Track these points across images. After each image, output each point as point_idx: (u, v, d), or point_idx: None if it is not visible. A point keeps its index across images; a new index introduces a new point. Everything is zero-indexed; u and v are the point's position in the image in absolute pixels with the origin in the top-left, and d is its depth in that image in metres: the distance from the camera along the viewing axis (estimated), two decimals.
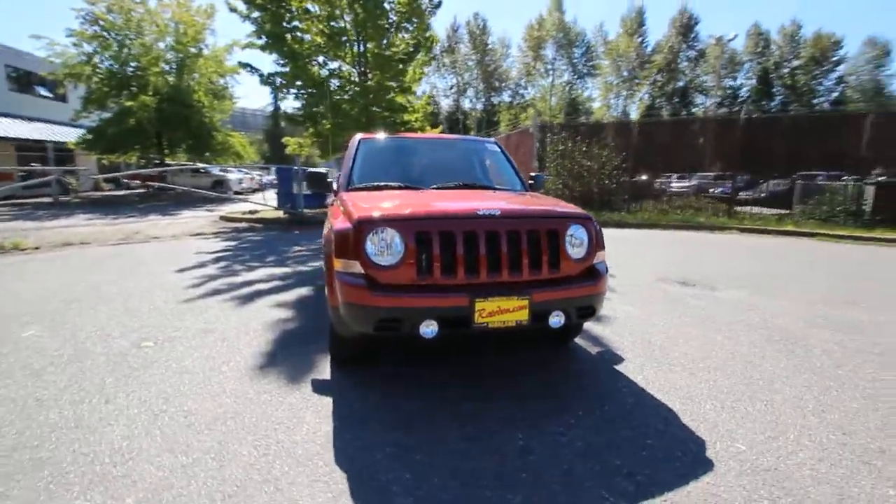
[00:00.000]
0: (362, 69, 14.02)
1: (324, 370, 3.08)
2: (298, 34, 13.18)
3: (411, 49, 13.62)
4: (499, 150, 4.33)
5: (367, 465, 2.09)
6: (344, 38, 13.29)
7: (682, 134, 17.20)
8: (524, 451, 2.20)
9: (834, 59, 45.87)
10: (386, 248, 2.52)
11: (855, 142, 12.15)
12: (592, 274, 2.80)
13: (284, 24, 12.87)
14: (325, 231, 3.17)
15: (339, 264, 2.61)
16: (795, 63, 47.09)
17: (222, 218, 12.47)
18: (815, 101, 46.39)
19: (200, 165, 21.38)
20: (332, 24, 13.08)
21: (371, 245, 2.53)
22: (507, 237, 2.57)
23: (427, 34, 14.20)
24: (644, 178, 15.44)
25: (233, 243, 8.61)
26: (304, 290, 5.18)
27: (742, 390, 2.86)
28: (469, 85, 50.22)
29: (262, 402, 2.65)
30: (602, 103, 50.27)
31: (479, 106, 50.87)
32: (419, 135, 4.64)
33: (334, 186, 3.86)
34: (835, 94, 46.36)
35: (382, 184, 3.61)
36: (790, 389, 2.88)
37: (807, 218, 11.93)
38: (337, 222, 2.77)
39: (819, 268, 7.04)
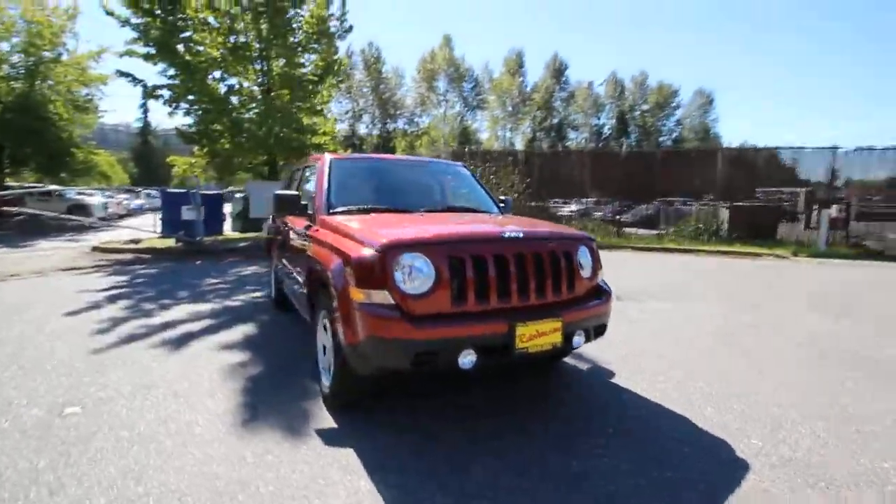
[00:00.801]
0: (266, 87, 13.21)
1: (322, 417, 2.71)
2: (192, 45, 12.00)
3: (321, 71, 13.21)
4: (468, 172, 4.34)
5: None
6: (247, 54, 12.42)
7: (569, 163, 19.01)
8: (581, 477, 2.14)
9: (673, 104, 55.09)
10: (415, 275, 2.33)
11: (710, 173, 14.62)
12: (601, 292, 2.90)
13: (178, 33, 11.64)
14: (319, 257, 2.84)
15: (360, 295, 2.34)
16: (644, 107, 55.52)
17: (96, 249, 10.58)
18: (660, 139, 54.97)
19: (53, 188, 17.99)
20: (234, 38, 12.18)
21: (399, 272, 2.32)
22: (532, 259, 2.56)
23: (335, 57, 13.93)
24: (540, 202, 16.71)
25: (123, 278, 7.31)
26: (246, 328, 4.56)
27: (726, 390, 3.15)
28: (364, 111, 50.20)
29: (269, 466, 2.22)
30: (490, 134, 53.77)
31: (375, 131, 51.04)
32: (390, 156, 4.44)
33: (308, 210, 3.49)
34: (675, 134, 55.46)
35: (367, 207, 3.37)
36: (767, 383, 3.24)
37: (679, 236, 13.91)
38: (349, 249, 2.50)
39: (709, 277, 8.22)
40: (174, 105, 12.64)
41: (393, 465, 2.23)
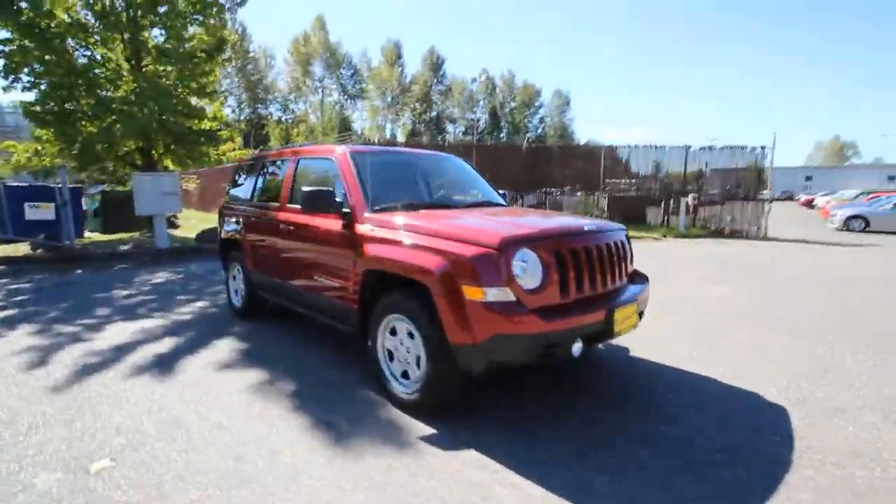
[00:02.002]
0: (137, 62, 11.24)
1: (412, 424, 2.59)
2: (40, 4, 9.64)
3: (211, 47, 11.66)
4: (469, 166, 4.38)
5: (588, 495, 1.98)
6: (112, 20, 10.39)
7: (470, 157, 19.82)
8: (684, 443, 2.45)
9: (536, 104, 60.45)
10: (529, 270, 2.39)
11: (593, 167, 16.54)
12: (641, 276, 3.26)
13: None
14: (393, 257, 2.68)
15: (479, 294, 2.31)
16: (513, 104, 59.95)
17: None
18: (528, 134, 59.97)
19: None
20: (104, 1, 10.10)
21: (517, 268, 2.35)
22: (606, 249, 2.78)
23: (221, 32, 12.42)
24: None
25: None
26: (229, 343, 4.01)
27: (726, 355, 3.77)
28: (229, 93, 45.28)
29: (410, 480, 2.10)
30: (371, 124, 52.98)
31: (244, 116, 46.51)
32: (400, 149, 4.21)
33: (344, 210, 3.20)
34: (539, 131, 60.99)
35: (410, 203, 3.24)
36: (757, 346, 3.95)
37: None
38: (456, 248, 2.42)
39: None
40: (11, 77, 10.09)
41: (521, 456, 2.27)
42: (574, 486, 2.06)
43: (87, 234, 12.19)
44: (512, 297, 2.33)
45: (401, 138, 50.64)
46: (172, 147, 12.05)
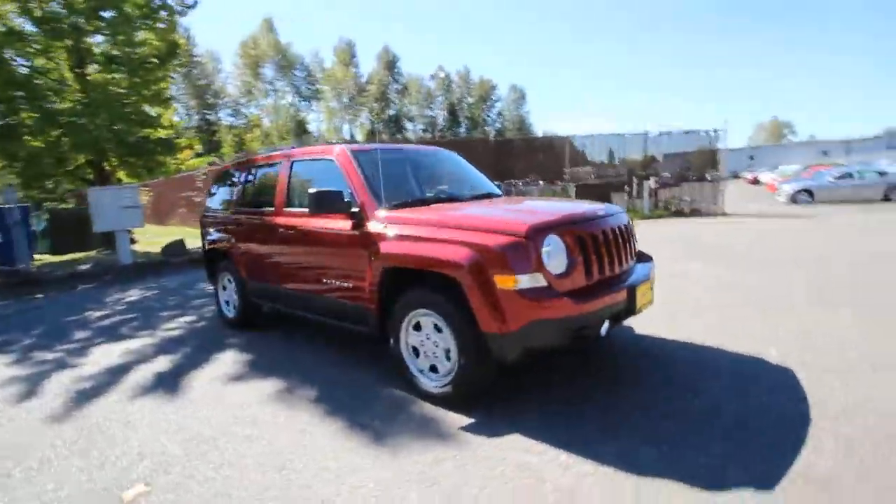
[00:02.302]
0: (82, 71, 10.57)
1: (450, 416, 2.58)
2: None
3: (162, 53, 11.11)
4: (463, 159, 4.39)
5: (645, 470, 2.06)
6: (56, 27, 9.72)
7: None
8: (712, 413, 2.57)
9: (493, 98, 61.06)
10: (556, 256, 2.44)
11: (553, 157, 16.91)
12: (647, 256, 3.39)
13: None
14: (414, 252, 2.66)
15: (511, 282, 2.33)
16: (470, 100, 60.32)
17: None
18: (486, 128, 60.53)
19: None
20: (43, 6, 9.41)
21: (546, 254, 2.39)
22: (618, 231, 2.87)
23: (174, 36, 11.86)
24: None
25: None
26: (230, 355, 3.86)
27: (723, 327, 3.96)
28: (176, 99, 43.22)
29: (484, 470, 2.10)
30: (328, 125, 52.02)
31: (193, 123, 44.56)
32: (398, 146, 4.14)
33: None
34: (497, 125, 61.66)
35: (420, 198, 3.23)
36: (753, 317, 4.16)
37: None
38: (484, 238, 2.44)
39: None
40: None
41: (562, 437, 2.32)
42: (621, 459, 2.13)
43: (35, 256, 11.41)
44: (544, 283, 2.37)
45: (360, 138, 49.99)
46: (126, 158, 11.43)
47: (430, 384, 2.77)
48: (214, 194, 4.90)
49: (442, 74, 57.75)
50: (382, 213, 3.00)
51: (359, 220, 3.08)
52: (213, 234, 4.73)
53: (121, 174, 11.99)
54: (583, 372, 3.14)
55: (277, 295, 3.95)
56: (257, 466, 2.25)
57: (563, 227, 2.53)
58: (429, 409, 2.72)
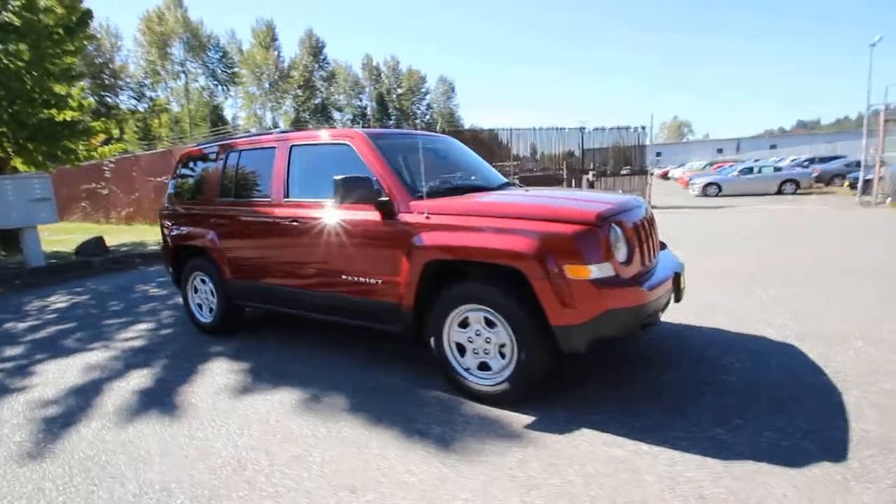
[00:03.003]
0: None
1: (508, 415, 2.48)
2: None
3: (72, 22, 9.57)
4: (467, 148, 4.23)
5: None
6: None
7: None
8: (752, 385, 2.71)
9: (423, 90, 60.77)
10: (619, 244, 2.44)
11: (483, 150, 17.23)
12: (663, 244, 3.51)
13: None
14: (475, 242, 2.52)
15: (585, 272, 2.28)
16: (400, 91, 59.53)
17: None
18: (416, 121, 60.16)
19: None
20: None
21: (612, 244, 2.37)
22: (652, 220, 2.94)
23: (77, 3, 10.29)
24: None
25: None
26: (224, 365, 3.44)
27: (711, 307, 4.22)
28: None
29: (571, 466, 2.02)
30: (248, 113, 48.69)
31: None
32: (411, 132, 3.83)
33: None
34: (427, 117, 61.51)
35: (452, 187, 3.07)
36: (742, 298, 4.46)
37: None
38: (553, 227, 2.36)
39: None
40: None
41: (632, 426, 2.33)
42: (701, 442, 2.17)
43: None
44: (613, 272, 2.34)
45: (283, 126, 47.36)
46: (27, 143, 9.78)
47: (481, 383, 2.64)
48: (181, 184, 4.31)
49: (370, 63, 56.37)
50: (419, 202, 2.80)
51: (388, 210, 2.85)
52: (181, 229, 4.17)
53: (17, 162, 10.22)
54: (608, 357, 3.18)
55: (273, 295, 3.57)
56: (325, 489, 2.00)
57: (620, 215, 2.52)
58: (481, 409, 2.60)
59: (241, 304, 3.90)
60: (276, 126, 48.31)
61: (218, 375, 3.27)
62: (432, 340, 2.77)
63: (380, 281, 2.92)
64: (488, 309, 2.53)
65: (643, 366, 3.07)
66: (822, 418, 2.33)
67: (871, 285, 4.72)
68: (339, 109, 55.34)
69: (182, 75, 42.85)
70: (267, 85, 47.84)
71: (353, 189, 2.78)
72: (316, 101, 52.80)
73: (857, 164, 19.35)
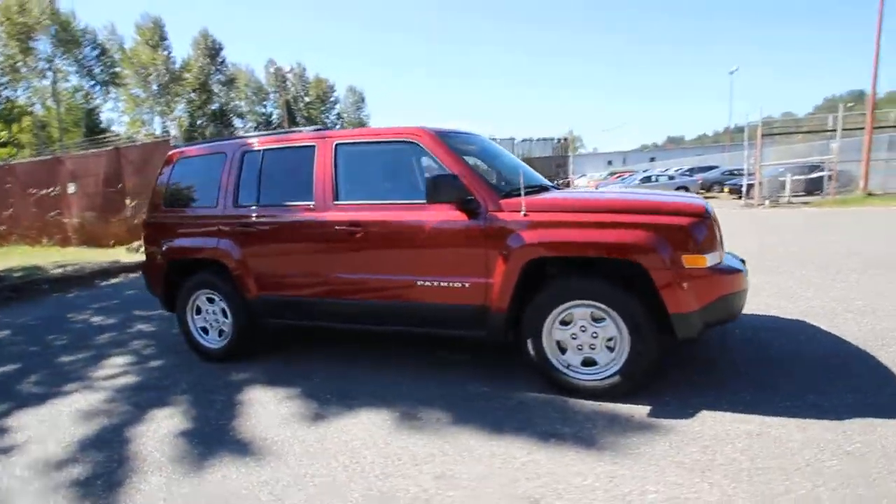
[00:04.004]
0: None
1: (627, 412, 2.48)
2: None
3: None
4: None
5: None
6: None
7: None
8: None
9: (332, 99, 59.19)
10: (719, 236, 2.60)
11: None
12: None
13: None
14: (587, 237, 2.53)
15: (702, 260, 2.41)
16: (308, 99, 57.35)
17: None
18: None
19: None
20: None
21: (717, 234, 2.53)
22: None
23: None
24: None
25: None
26: (268, 394, 3.02)
27: None
28: None
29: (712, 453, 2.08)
30: (134, 117, 43.45)
31: None
32: (452, 129, 3.63)
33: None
34: (338, 127, 59.99)
35: (529, 186, 3.02)
36: None
37: None
38: (668, 220, 2.46)
39: None
40: None
41: (756, 408, 2.45)
42: (807, 409, 2.35)
43: None
44: (719, 260, 2.49)
45: (175, 133, 42.98)
46: None
47: (588, 379, 2.63)
48: (175, 188, 3.71)
49: (274, 68, 53.63)
50: (508, 200, 2.73)
51: (475, 209, 2.73)
52: (179, 241, 3.60)
53: None
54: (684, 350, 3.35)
55: (320, 308, 3.22)
56: None
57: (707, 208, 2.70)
58: (590, 405, 2.58)
59: (269, 323, 3.45)
60: (166, 132, 43.66)
61: (269, 405, 2.86)
62: (529, 342, 2.70)
63: (466, 284, 2.78)
64: (597, 303, 2.54)
65: (699, 351, 3.28)
66: (877, 377, 2.68)
67: (791, 264, 5.52)
68: (241, 116, 51.74)
69: (49, 73, 36.88)
70: (155, 87, 43.11)
71: (445, 188, 2.63)
72: (213, 107, 48.78)
73: (732, 172, 22.77)
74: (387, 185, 3.21)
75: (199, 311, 3.64)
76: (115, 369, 3.65)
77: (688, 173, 28.32)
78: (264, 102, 53.39)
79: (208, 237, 3.47)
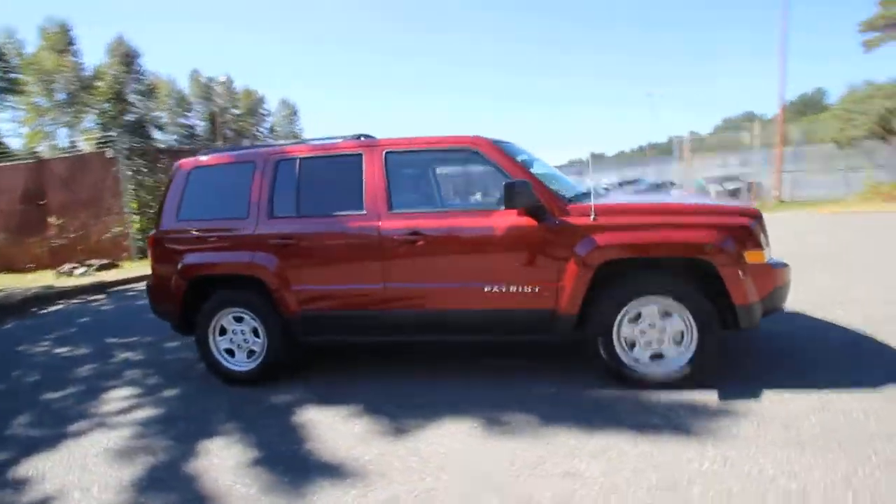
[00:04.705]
0: None
1: (702, 400, 2.63)
2: None
3: None
4: None
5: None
6: None
7: None
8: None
9: (263, 112, 56.92)
10: None
11: None
12: None
13: None
14: (658, 238, 2.69)
15: (762, 256, 2.66)
16: (236, 111, 54.68)
17: None
18: (258, 142, 55.85)
19: None
20: None
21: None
22: None
23: None
24: None
25: None
26: (332, 414, 2.84)
27: None
28: None
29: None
30: (35, 129, 38.89)
31: None
32: (500, 139, 3.60)
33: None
34: (269, 139, 57.64)
35: (580, 192, 3.14)
36: None
37: None
38: (731, 220, 2.68)
39: None
40: None
41: (785, 380, 2.72)
42: (859, 385, 2.63)
43: None
44: (771, 255, 2.75)
45: (84, 146, 39.08)
46: None
47: (658, 371, 2.77)
48: (195, 200, 3.40)
49: (198, 78, 50.74)
50: (574, 205, 2.84)
51: (543, 215, 2.80)
52: (206, 256, 3.31)
53: None
54: None
55: (369, 321, 3.11)
56: (646, 491, 1.88)
57: None
58: (666, 395, 2.69)
59: (307, 342, 3.26)
60: (73, 145, 39.50)
61: (335, 425, 2.69)
62: (599, 340, 2.79)
63: (536, 288, 2.83)
64: (667, 300, 2.70)
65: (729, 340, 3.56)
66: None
67: None
68: (161, 128, 48.14)
69: None
70: (62, 96, 39.00)
71: (521, 194, 2.67)
72: (129, 118, 44.99)
73: (657, 185, 24.85)
74: (445, 192, 3.20)
75: (222, 333, 3.35)
76: (123, 403, 3.25)
77: (619, 185, 30.57)
78: (187, 114, 50.13)
79: (240, 250, 3.23)
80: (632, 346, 2.81)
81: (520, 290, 2.86)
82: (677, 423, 2.43)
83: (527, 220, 2.81)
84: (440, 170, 3.28)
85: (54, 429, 2.91)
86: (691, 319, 2.68)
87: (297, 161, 3.26)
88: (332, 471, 2.24)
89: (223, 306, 3.30)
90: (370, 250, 3.03)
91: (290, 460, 2.36)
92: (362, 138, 3.29)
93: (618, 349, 2.80)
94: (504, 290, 2.88)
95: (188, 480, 2.25)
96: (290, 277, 3.15)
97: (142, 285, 8.32)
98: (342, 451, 2.41)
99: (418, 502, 1.96)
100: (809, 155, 17.27)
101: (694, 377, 2.74)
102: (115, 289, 8.30)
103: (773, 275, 2.70)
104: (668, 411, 2.55)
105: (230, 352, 3.36)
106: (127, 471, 2.38)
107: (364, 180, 3.09)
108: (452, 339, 3.05)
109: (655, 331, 2.76)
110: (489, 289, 2.89)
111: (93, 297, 7.61)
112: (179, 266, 3.32)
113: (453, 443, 2.40)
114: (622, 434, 2.36)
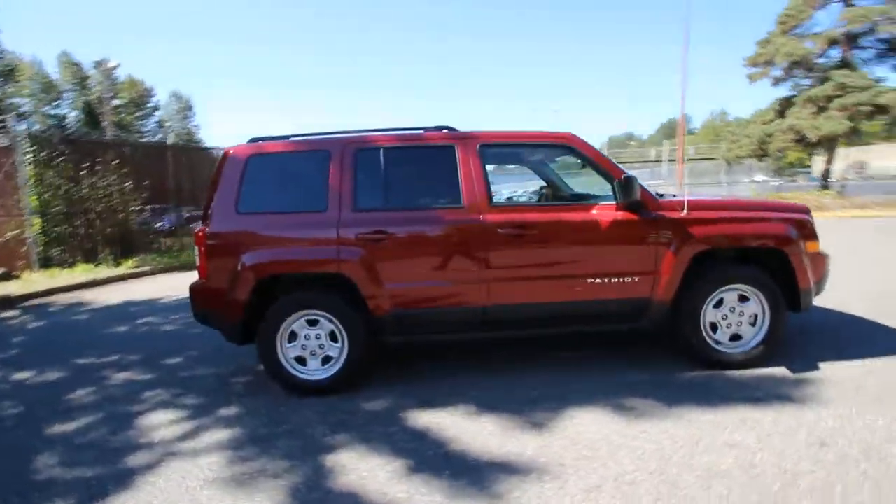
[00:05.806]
0: None
1: (773, 374, 2.99)
2: None
3: None
4: None
5: None
6: None
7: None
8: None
9: (150, 104, 50.97)
10: None
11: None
12: None
13: None
14: (744, 231, 3.04)
15: (817, 246, 3.13)
16: (117, 102, 48.23)
17: None
18: (142, 139, 49.87)
19: None
20: None
21: None
22: None
23: None
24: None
25: None
26: (464, 409, 2.72)
27: None
28: None
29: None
30: None
31: None
32: None
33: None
34: (159, 136, 51.74)
35: (686, 189, 3.38)
36: None
37: None
38: (792, 215, 3.10)
39: None
40: None
41: (828, 357, 3.22)
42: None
43: None
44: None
45: None
46: None
47: (737, 351, 3.09)
48: (258, 191, 3.02)
49: (69, 62, 44.00)
50: (665, 201, 3.07)
51: (641, 208, 3.00)
52: (281, 253, 2.97)
53: None
54: None
55: (469, 317, 3.04)
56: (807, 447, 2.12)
57: None
58: (748, 373, 3.03)
59: (391, 343, 3.08)
60: None
61: (461, 424, 2.59)
62: (688, 325, 3.05)
63: (636, 278, 3.00)
64: (745, 286, 3.03)
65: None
66: None
67: None
68: (23, 116, 40.77)
69: None
70: None
71: (631, 189, 2.84)
72: None
73: None
74: (549, 186, 3.24)
75: (293, 338, 3.03)
76: (174, 428, 2.77)
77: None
78: (57, 102, 43.18)
79: (322, 246, 2.95)
80: (715, 329, 3.10)
81: (621, 280, 3.02)
82: (776, 393, 2.75)
83: (628, 214, 2.98)
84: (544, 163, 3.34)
85: (108, 466, 2.39)
86: (765, 303, 3.05)
87: (379, 151, 3.08)
88: (504, 468, 2.17)
89: (296, 308, 2.99)
90: (472, 245, 2.97)
91: (447, 463, 2.23)
92: (445, 130, 3.22)
93: (704, 333, 3.07)
94: (606, 280, 3.01)
95: (352, 498, 2.02)
96: (381, 274, 2.96)
97: (65, 299, 7.11)
98: (494, 448, 2.34)
99: (622, 486, 2.00)
100: (700, 170, 20.06)
101: (767, 355, 3.11)
102: (27, 304, 6.88)
103: (823, 262, 3.19)
104: (759, 385, 2.87)
105: (301, 360, 3.05)
106: (260, 496, 2.06)
107: (460, 173, 3.02)
108: (547, 333, 3.09)
109: (735, 315, 3.09)
110: (591, 280, 3.01)
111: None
112: (246, 264, 2.94)
113: (602, 429, 2.46)
114: (742, 407, 2.61)
